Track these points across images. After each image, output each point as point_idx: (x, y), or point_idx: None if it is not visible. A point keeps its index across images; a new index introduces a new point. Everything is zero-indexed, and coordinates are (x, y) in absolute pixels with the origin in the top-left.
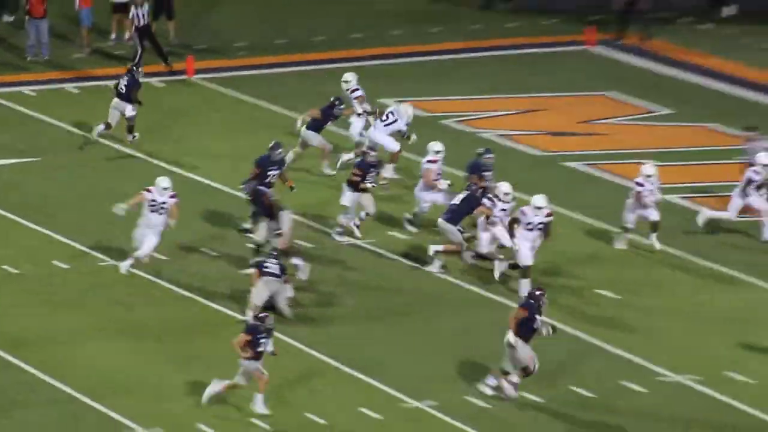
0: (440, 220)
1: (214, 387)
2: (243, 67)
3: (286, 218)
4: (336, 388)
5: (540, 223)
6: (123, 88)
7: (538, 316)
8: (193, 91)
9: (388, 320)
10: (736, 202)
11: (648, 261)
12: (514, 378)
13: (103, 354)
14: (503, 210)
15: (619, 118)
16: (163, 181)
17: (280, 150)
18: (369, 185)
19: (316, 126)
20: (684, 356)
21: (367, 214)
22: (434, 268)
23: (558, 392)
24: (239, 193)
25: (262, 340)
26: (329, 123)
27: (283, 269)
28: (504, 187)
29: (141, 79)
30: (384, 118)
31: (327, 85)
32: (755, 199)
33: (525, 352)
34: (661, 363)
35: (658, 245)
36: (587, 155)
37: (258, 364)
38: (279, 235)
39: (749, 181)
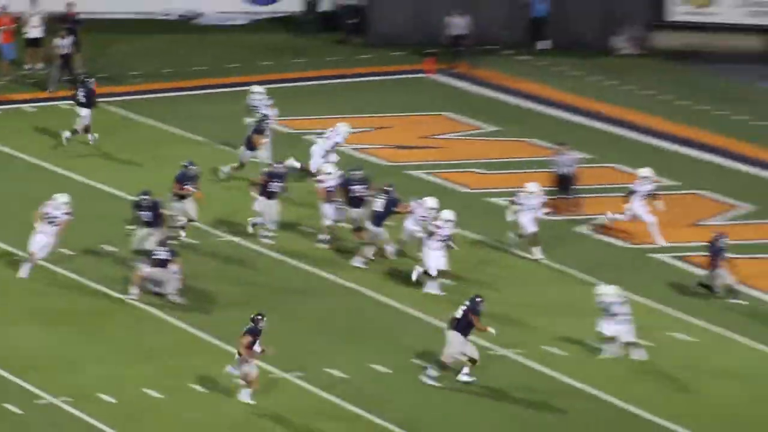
0: (368, 225)
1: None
2: (138, 92)
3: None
4: (216, 362)
5: (447, 235)
6: (82, 98)
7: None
8: (98, 112)
9: (261, 305)
10: (631, 208)
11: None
12: (466, 369)
13: (22, 336)
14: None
15: (454, 134)
16: (62, 197)
17: (194, 166)
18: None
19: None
20: (511, 333)
21: (254, 224)
22: (358, 262)
23: (404, 362)
24: (134, 198)
25: (258, 341)
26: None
27: (169, 259)
28: (429, 201)
29: (93, 87)
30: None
31: (205, 106)
32: (638, 208)
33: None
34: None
35: (539, 255)
36: (427, 165)
37: (252, 363)
38: (168, 239)
39: (632, 192)
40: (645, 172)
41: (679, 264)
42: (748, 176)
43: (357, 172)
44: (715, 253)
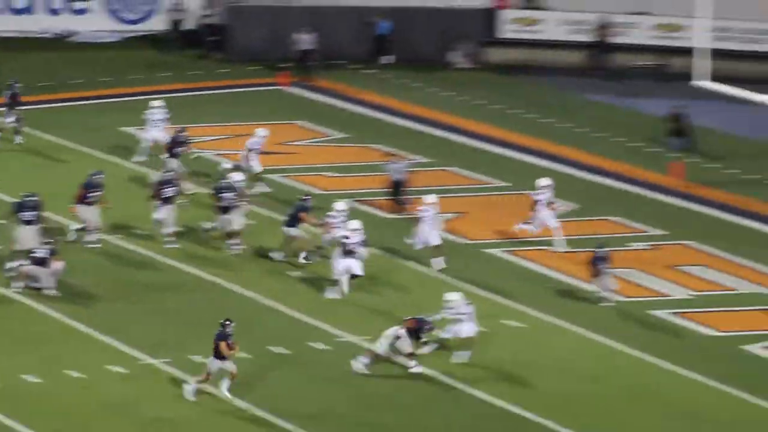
0: (283, 228)
1: (191, 386)
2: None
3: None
4: (89, 350)
5: (359, 241)
6: (9, 100)
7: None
8: None
9: (133, 299)
10: (538, 217)
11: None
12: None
13: None
14: (341, 223)
15: (306, 141)
16: None
17: (100, 175)
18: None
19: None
20: (359, 323)
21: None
22: (277, 255)
23: (260, 351)
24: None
25: (230, 342)
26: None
27: (47, 258)
28: (339, 205)
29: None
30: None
31: (81, 117)
32: (545, 215)
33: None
34: (341, 327)
35: (442, 266)
36: (284, 169)
37: (230, 362)
38: (48, 243)
39: (535, 201)
40: (544, 181)
41: (508, 257)
42: (572, 177)
43: (225, 181)
44: (596, 262)
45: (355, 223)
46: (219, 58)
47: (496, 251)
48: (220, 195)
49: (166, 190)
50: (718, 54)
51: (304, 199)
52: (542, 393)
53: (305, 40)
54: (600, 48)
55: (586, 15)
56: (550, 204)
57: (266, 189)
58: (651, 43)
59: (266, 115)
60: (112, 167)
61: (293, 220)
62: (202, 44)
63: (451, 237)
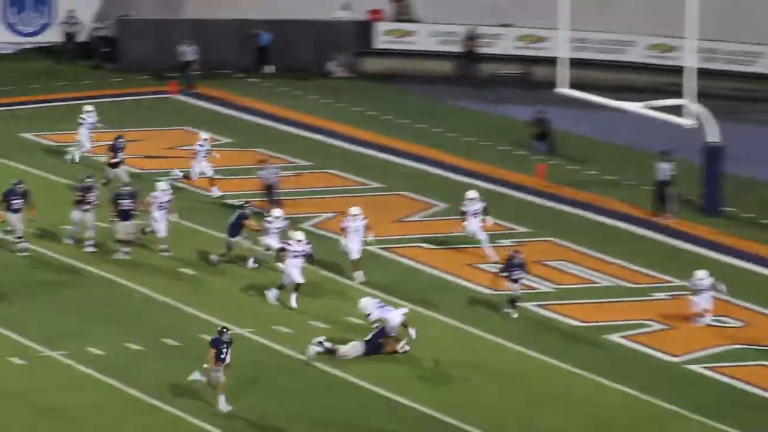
0: (226, 237)
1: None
2: None
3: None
4: None
5: (303, 251)
6: None
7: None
8: None
9: (30, 295)
10: (467, 228)
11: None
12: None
13: None
14: (277, 228)
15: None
16: None
17: (22, 184)
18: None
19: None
20: (244, 316)
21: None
22: (214, 257)
23: (150, 339)
24: None
25: (224, 351)
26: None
27: None
28: (275, 211)
29: None
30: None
31: None
32: (473, 227)
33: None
34: (229, 320)
35: (362, 278)
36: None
37: (219, 372)
38: None
39: (464, 212)
40: (472, 194)
41: (386, 254)
42: (444, 179)
43: (126, 187)
44: (510, 269)
45: (299, 234)
46: (111, 68)
47: (374, 248)
48: (118, 201)
49: (89, 195)
50: (577, 63)
51: (244, 207)
52: (419, 379)
53: (187, 51)
54: (468, 58)
55: (454, 27)
56: (476, 216)
57: (210, 192)
58: (515, 53)
59: (157, 121)
60: (13, 172)
61: (235, 228)
62: (95, 55)
63: (333, 236)
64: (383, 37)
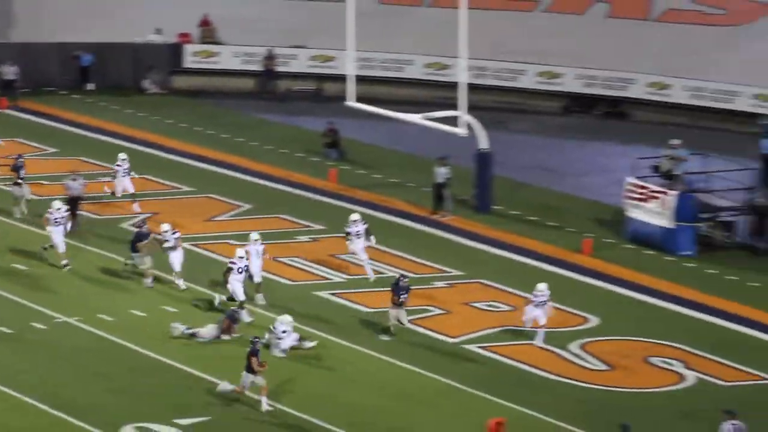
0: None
1: (227, 386)
2: None
3: None
4: None
5: (246, 266)
6: None
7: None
8: None
9: None
10: (351, 248)
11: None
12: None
13: None
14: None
15: (27, 155)
16: None
17: None
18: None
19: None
20: (74, 306)
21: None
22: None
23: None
24: None
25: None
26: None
27: None
28: (164, 226)
29: None
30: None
31: None
32: (357, 247)
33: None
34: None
35: (263, 301)
36: (8, 179)
37: (260, 377)
38: None
39: (347, 233)
40: (355, 216)
41: (198, 250)
42: (247, 182)
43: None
44: (397, 291)
45: (241, 251)
46: None
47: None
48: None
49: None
50: (364, 80)
51: (140, 226)
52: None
53: (10, 71)
54: (267, 75)
55: (255, 48)
56: (359, 236)
57: (138, 209)
58: (309, 71)
59: None
60: None
61: (133, 246)
62: None
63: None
64: (192, 57)
